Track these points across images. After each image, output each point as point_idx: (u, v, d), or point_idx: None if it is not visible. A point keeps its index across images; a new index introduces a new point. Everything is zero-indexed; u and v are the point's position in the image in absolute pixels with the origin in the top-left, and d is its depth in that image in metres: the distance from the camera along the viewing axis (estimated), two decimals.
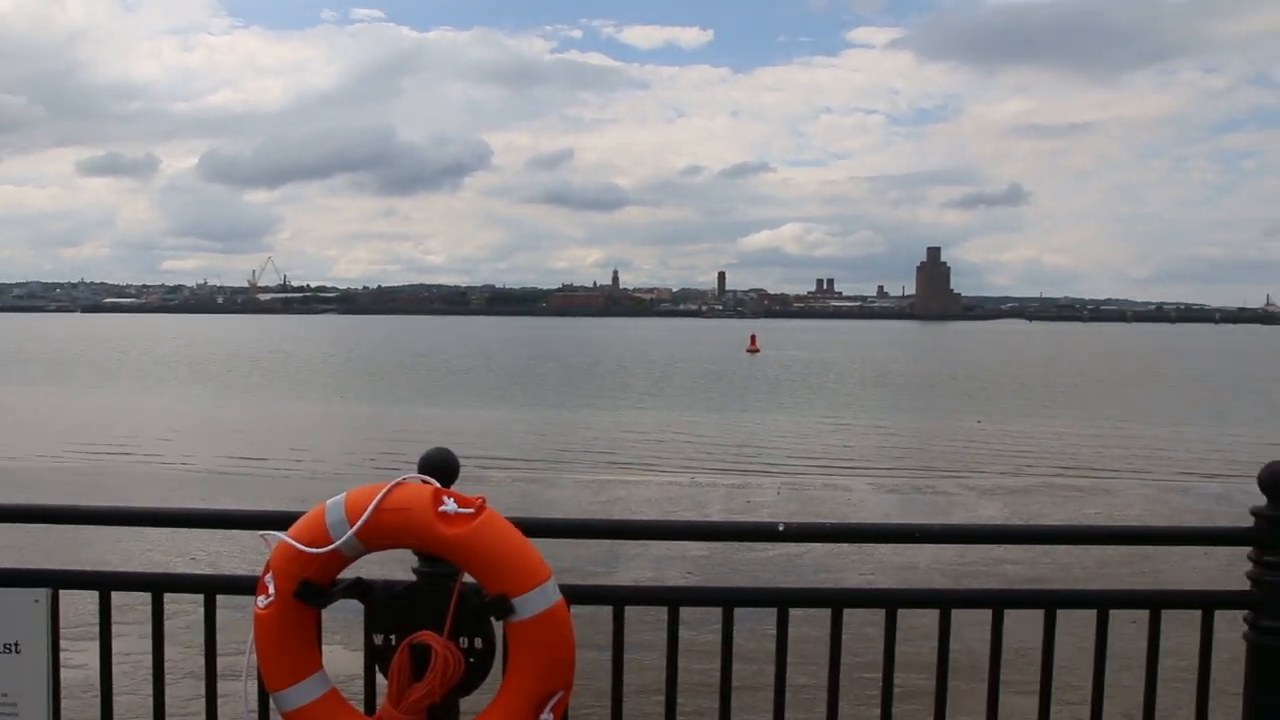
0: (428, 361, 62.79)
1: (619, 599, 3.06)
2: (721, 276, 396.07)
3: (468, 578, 2.72)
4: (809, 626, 3.13)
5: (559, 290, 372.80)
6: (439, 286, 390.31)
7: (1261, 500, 3.05)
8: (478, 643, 2.73)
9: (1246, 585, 3.10)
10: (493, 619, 2.69)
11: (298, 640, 2.78)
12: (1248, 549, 3.09)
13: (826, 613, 3.09)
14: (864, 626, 3.10)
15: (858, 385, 47.14)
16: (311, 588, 2.72)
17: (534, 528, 2.88)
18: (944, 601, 3.08)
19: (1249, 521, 3.10)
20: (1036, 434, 26.94)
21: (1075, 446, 24.43)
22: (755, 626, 3.11)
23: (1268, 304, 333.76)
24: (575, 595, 2.91)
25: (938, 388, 45.80)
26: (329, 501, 2.73)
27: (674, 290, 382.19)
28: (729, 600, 3.06)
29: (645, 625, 3.15)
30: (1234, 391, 45.47)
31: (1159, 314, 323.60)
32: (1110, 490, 17.55)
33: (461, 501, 2.65)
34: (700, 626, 3.04)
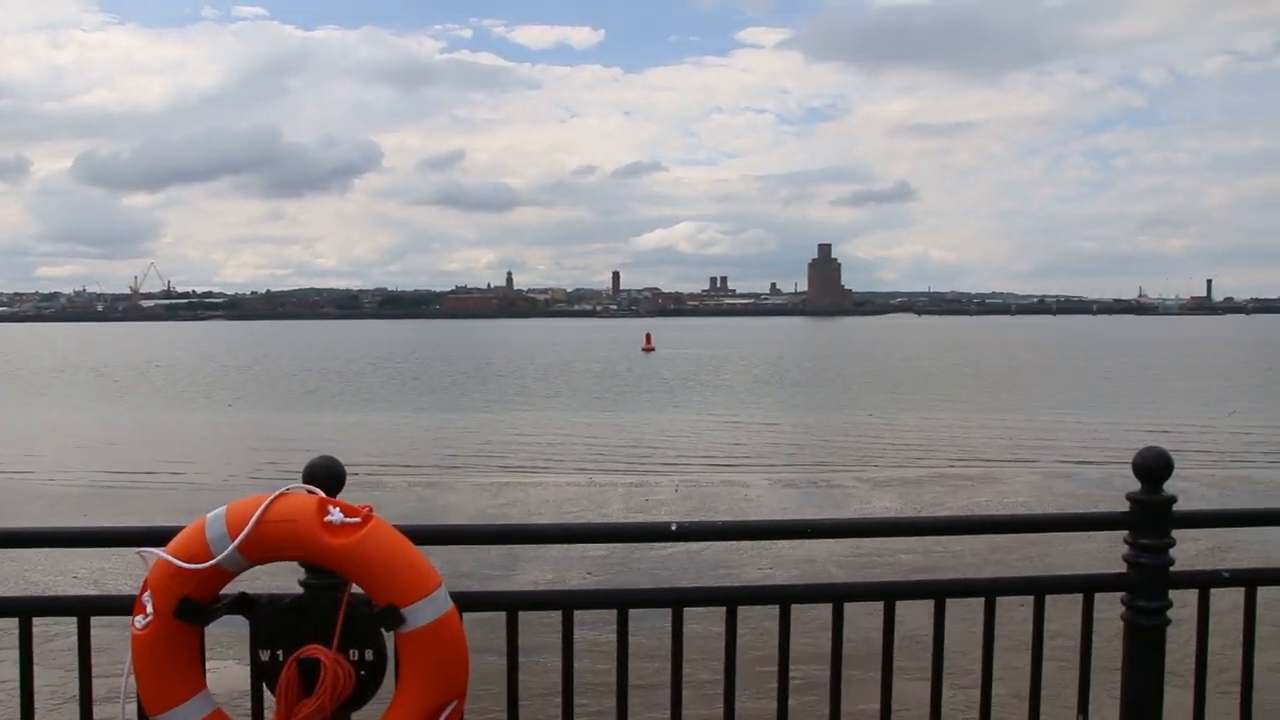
0: (318, 367, 61.52)
1: (512, 605, 3.02)
2: (616, 276, 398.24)
3: (356, 588, 2.63)
4: (709, 623, 3.12)
5: (452, 292, 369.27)
6: (330, 290, 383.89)
7: (1136, 485, 3.16)
8: (368, 654, 2.65)
9: (1124, 568, 3.19)
10: (383, 629, 2.62)
11: (179, 660, 2.66)
12: (1124, 533, 3.19)
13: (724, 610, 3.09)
14: (764, 620, 3.11)
15: (752, 382, 47.67)
16: (192, 605, 2.60)
17: (423, 535, 2.81)
18: (836, 595, 3.11)
19: (1126, 506, 3.20)
20: (927, 425, 27.56)
21: (964, 437, 25.06)
22: (658, 624, 3.08)
23: (1140, 295, 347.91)
24: (467, 602, 2.86)
25: (830, 382, 46.57)
26: (209, 515, 2.62)
27: (569, 290, 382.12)
28: (624, 602, 3.04)
29: (546, 627, 3.10)
30: (1111, 380, 47.20)
31: (1041, 306, 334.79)
32: (999, 478, 18.01)
33: (347, 511, 2.57)
34: (602, 627, 3.01)
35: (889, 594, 3.13)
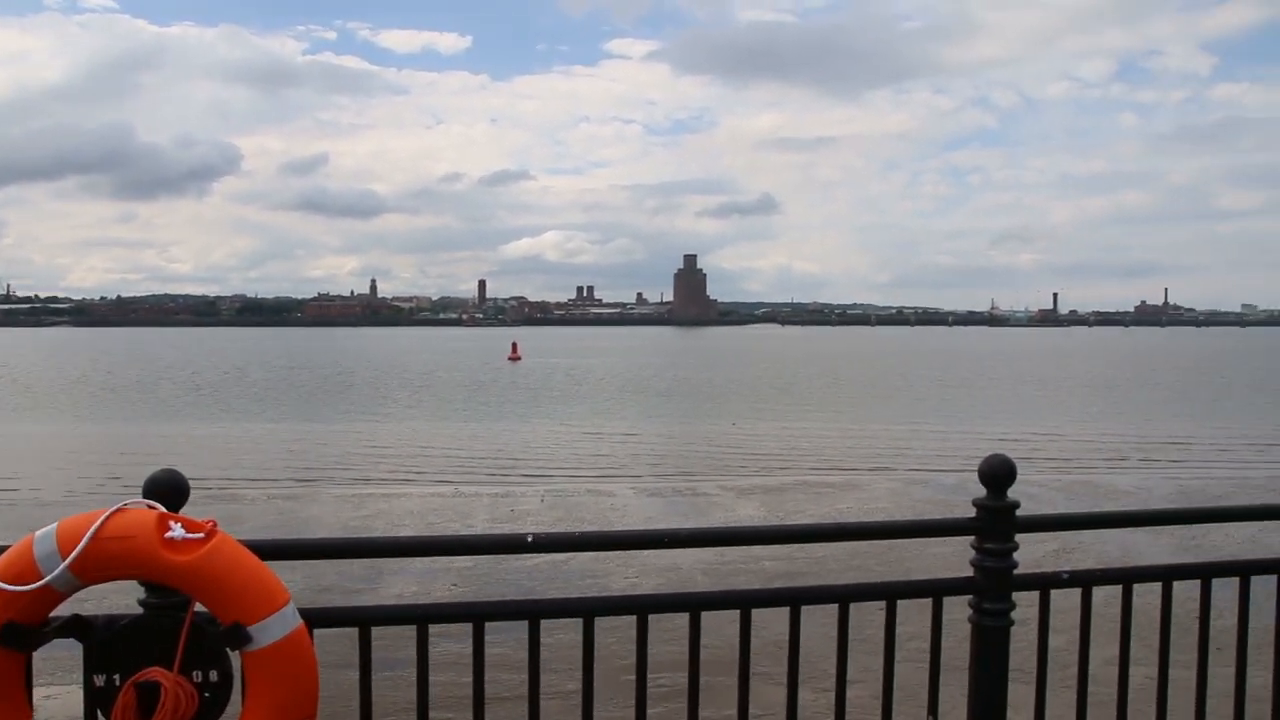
0: (171, 375, 59.28)
1: (364, 620, 2.93)
2: (482, 285, 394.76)
3: (200, 607, 2.51)
4: (575, 632, 3.09)
5: (315, 300, 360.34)
6: (185, 296, 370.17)
7: (983, 492, 3.26)
8: (213, 676, 2.53)
9: (972, 571, 3.29)
10: (229, 649, 2.50)
11: (2, 689, 2.49)
12: (971, 538, 3.29)
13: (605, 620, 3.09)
14: (630, 629, 3.10)
15: (618, 391, 47.84)
16: (17, 630, 2.44)
17: (271, 550, 2.71)
18: (694, 604, 3.13)
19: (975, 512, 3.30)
20: (789, 434, 28.06)
21: (826, 445, 25.60)
22: (522, 636, 3.04)
23: (993, 308, 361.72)
24: (317, 619, 2.76)
25: (695, 392, 47.05)
26: (37, 533, 2.46)
27: (434, 299, 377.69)
28: (479, 615, 2.99)
29: (407, 641, 3.02)
30: (966, 389, 48.92)
31: (900, 318, 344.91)
32: (859, 485, 18.44)
33: (190, 526, 2.45)
34: (465, 639, 2.95)
35: (745, 602, 3.17)
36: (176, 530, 2.43)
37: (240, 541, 2.56)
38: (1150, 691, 3.51)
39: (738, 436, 27.60)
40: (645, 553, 11.81)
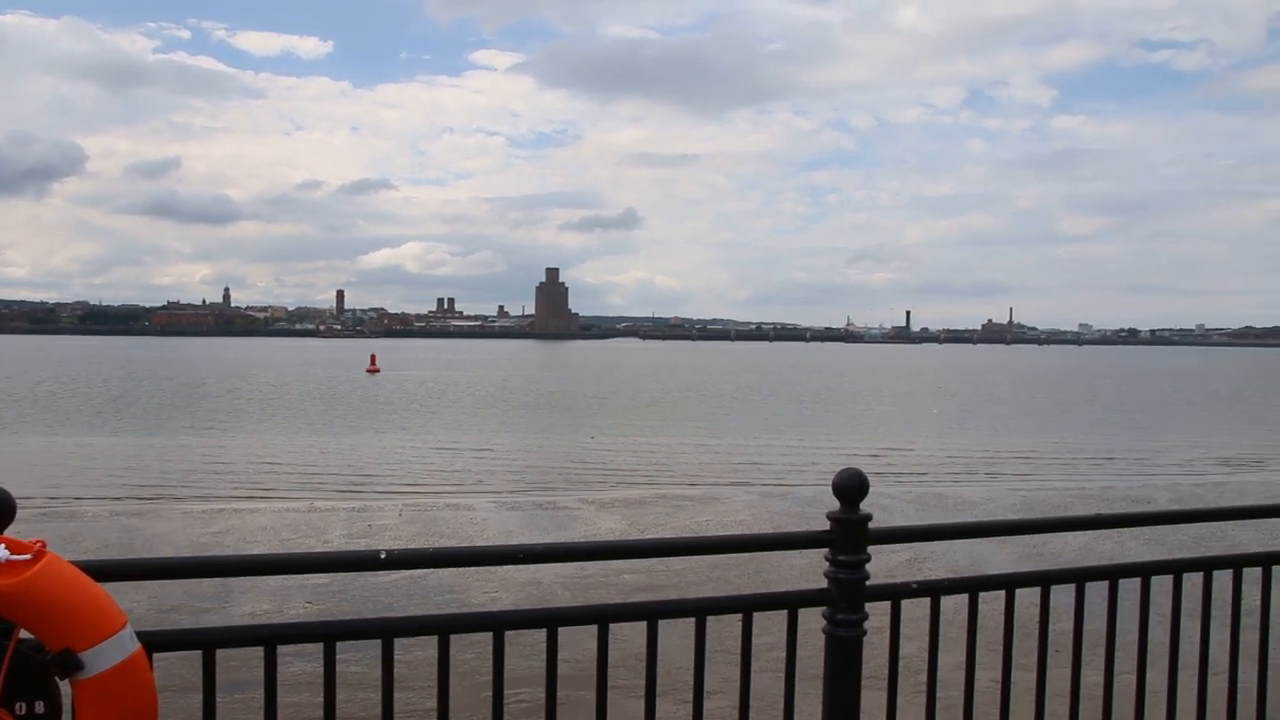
0: (1, 387, 56.25)
1: (208, 642, 2.79)
2: (340, 295, 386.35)
3: (27, 633, 2.35)
4: (431, 650, 3.01)
5: (163, 308, 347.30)
6: (21, 302, 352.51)
7: (837, 505, 3.33)
8: (38, 706, 2.37)
9: (826, 583, 3.35)
10: (58, 678, 2.35)
11: None
12: (825, 550, 3.35)
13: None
14: (489, 645, 3.04)
15: (479, 404, 47.44)
16: None
17: (108, 570, 2.57)
18: (551, 620, 3.10)
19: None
20: (650, 447, 28.24)
21: (686, 458, 25.83)
22: (380, 654, 2.95)
23: (848, 324, 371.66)
24: (159, 642, 2.63)
25: (556, 405, 46.99)
26: None
27: (290, 309, 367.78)
28: (331, 635, 2.89)
29: (259, 662, 2.90)
30: (824, 404, 50.09)
31: (759, 333, 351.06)
32: (719, 498, 18.64)
33: (14, 547, 2.29)
34: (319, 659, 2.85)
35: (603, 617, 3.15)
36: (0, 552, 2.27)
37: (74, 562, 2.41)
38: (995, 693, 3.63)
39: (598, 450, 27.63)
40: (504, 567, 11.70)
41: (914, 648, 3.57)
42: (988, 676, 3.67)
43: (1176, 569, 3.93)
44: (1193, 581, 3.96)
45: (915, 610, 3.53)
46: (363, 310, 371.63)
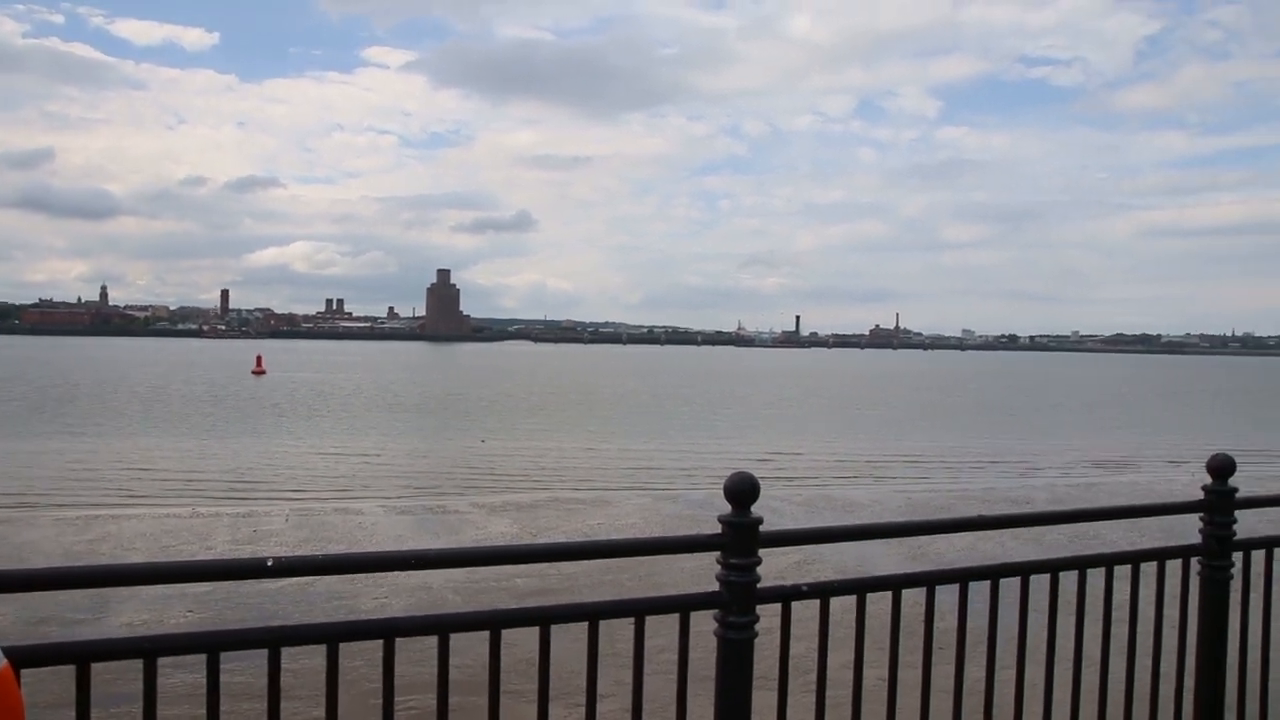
0: None
1: (82, 656, 2.68)
2: (225, 295, 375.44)
3: None
4: (319, 658, 2.95)
5: (35, 306, 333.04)
6: None
7: (728, 508, 3.36)
8: None
9: (718, 586, 3.38)
10: None
11: None
12: (716, 553, 3.37)
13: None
14: (379, 651, 2.99)
15: (368, 406, 46.73)
16: None
17: None
18: (442, 626, 3.06)
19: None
20: (541, 451, 28.17)
21: (578, 461, 25.83)
22: (267, 663, 2.87)
23: (739, 329, 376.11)
24: (27, 657, 2.51)
25: (447, 408, 46.56)
26: None
27: (172, 308, 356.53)
28: (214, 645, 2.80)
29: (139, 675, 2.80)
30: (716, 407, 50.58)
31: (650, 337, 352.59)
32: (611, 502, 18.68)
33: None
34: (202, 670, 2.76)
35: (495, 622, 3.13)
36: None
37: None
38: (883, 691, 3.70)
39: (489, 453, 27.45)
40: (395, 573, 11.54)
41: (805, 648, 3.62)
42: (876, 675, 3.75)
43: (1053, 568, 4.08)
44: (1069, 579, 4.12)
45: (806, 611, 3.58)
46: (248, 310, 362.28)
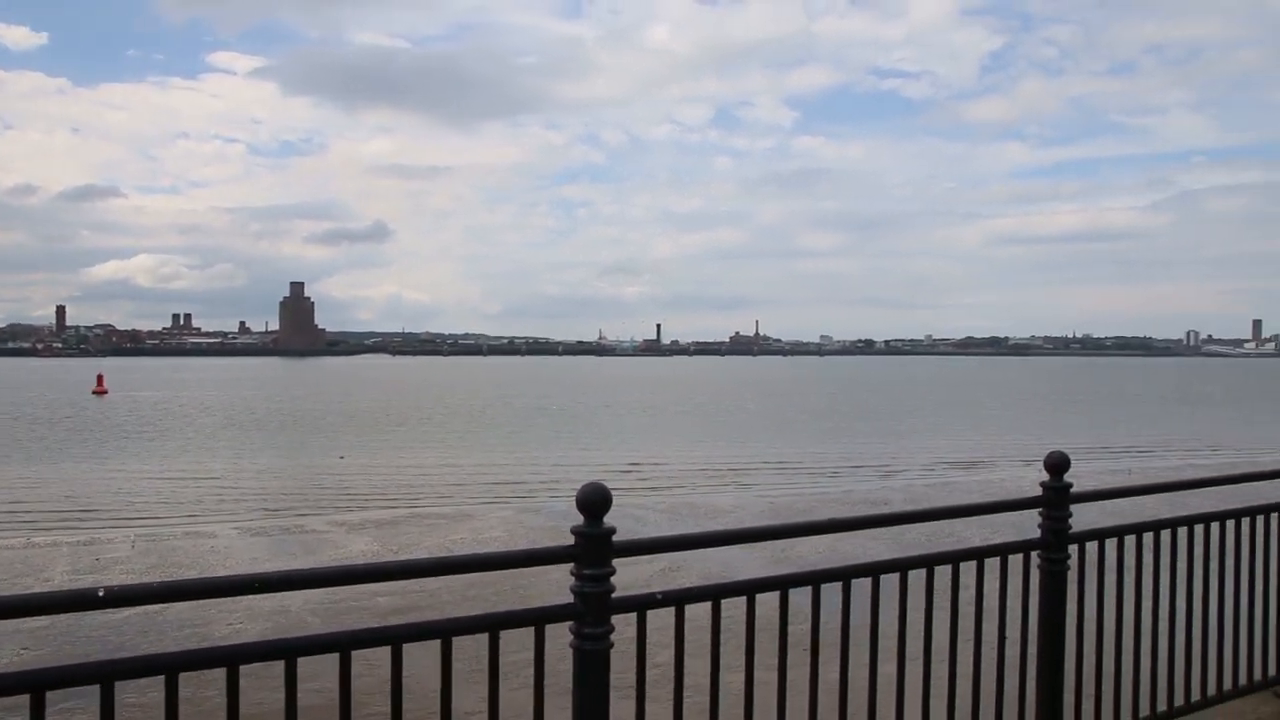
0: None
1: None
2: (61, 311, 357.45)
3: None
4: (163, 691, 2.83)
5: None
6: None
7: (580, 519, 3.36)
8: None
9: (573, 598, 3.37)
10: None
11: None
12: (571, 565, 3.37)
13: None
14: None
15: (219, 425, 45.20)
16: None
17: None
18: (290, 651, 2.99)
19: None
20: (402, 466, 27.73)
21: (439, 476, 25.50)
22: (122, 698, 2.75)
23: (600, 338, 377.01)
24: None
25: (302, 425, 45.38)
26: None
27: (2, 326, 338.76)
28: (39, 684, 2.66)
29: None
30: (578, 418, 50.61)
31: (511, 347, 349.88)
32: (473, 515, 18.50)
33: None
34: (25, 713, 2.63)
35: (344, 645, 3.06)
36: None
37: None
38: (740, 694, 3.76)
39: (348, 470, 26.88)
40: (250, 596, 11.19)
41: (666, 656, 3.66)
42: (736, 679, 3.81)
43: (903, 567, 4.22)
44: (926, 577, 4.27)
45: (667, 619, 3.62)
46: (87, 327, 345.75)
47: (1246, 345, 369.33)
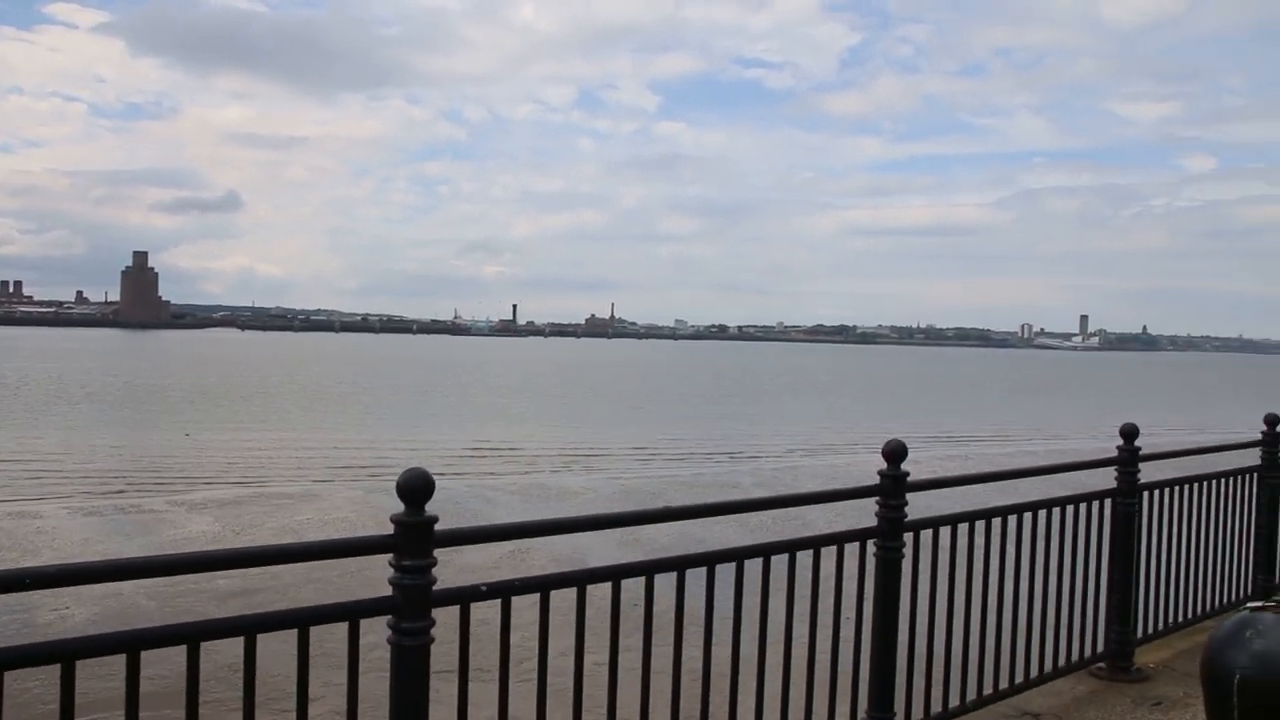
0: None
1: None
2: None
3: None
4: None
5: None
6: None
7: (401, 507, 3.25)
8: None
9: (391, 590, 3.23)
10: None
11: None
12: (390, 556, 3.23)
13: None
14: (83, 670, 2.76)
15: (51, 399, 43.05)
16: None
17: None
18: (132, 644, 2.83)
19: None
20: (248, 444, 26.95)
21: (286, 454, 24.89)
22: None
23: (456, 317, 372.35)
24: None
25: (143, 400, 43.64)
26: None
27: None
28: None
29: None
30: (429, 397, 50.01)
31: (365, 325, 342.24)
32: (320, 495, 18.13)
33: None
34: None
35: (193, 636, 2.94)
36: None
37: None
38: (568, 685, 3.68)
39: (192, 448, 25.97)
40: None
41: (519, 637, 3.63)
42: (592, 660, 3.78)
43: (739, 556, 4.29)
44: (771, 564, 4.36)
45: (521, 603, 3.57)
46: None
47: (1074, 339, 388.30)
